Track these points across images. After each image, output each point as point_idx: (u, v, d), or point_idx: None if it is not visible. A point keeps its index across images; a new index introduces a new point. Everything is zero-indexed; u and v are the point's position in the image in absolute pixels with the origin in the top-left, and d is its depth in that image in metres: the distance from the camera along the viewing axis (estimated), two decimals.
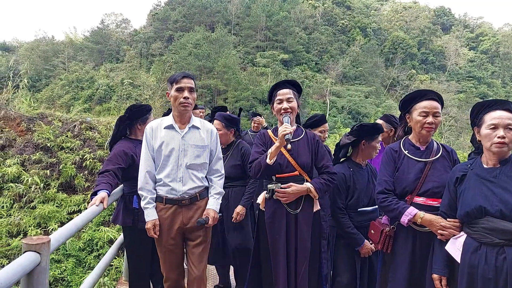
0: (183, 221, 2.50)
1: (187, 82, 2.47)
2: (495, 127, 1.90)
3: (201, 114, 5.42)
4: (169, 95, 2.52)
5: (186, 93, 2.46)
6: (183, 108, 2.49)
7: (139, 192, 2.52)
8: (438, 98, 2.32)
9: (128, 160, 2.84)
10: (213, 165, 2.68)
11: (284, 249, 2.48)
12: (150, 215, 2.47)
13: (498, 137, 1.87)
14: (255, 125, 5.44)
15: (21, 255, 1.43)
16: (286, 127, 2.36)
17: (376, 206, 2.78)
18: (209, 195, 2.63)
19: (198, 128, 2.60)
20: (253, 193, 3.31)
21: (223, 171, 2.75)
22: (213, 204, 2.58)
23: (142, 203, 2.49)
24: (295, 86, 2.70)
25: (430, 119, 2.25)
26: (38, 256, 1.43)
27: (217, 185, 2.67)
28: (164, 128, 2.54)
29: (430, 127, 2.25)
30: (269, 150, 2.45)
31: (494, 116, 1.92)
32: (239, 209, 3.21)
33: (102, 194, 2.45)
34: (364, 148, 2.83)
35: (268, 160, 2.42)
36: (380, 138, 2.87)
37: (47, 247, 1.48)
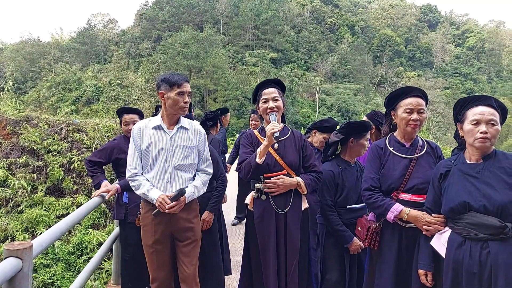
0: (171, 222, 2.48)
1: (187, 86, 2.50)
2: (477, 122, 1.93)
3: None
4: (164, 96, 2.48)
5: (187, 98, 2.49)
6: (183, 112, 2.52)
7: (133, 184, 2.47)
8: (422, 95, 2.34)
9: (111, 157, 3.30)
10: (200, 165, 2.67)
11: (274, 249, 2.47)
12: (155, 193, 2.41)
13: (481, 133, 1.90)
14: (253, 122, 5.22)
15: (3, 261, 1.41)
16: (274, 125, 2.36)
17: (365, 204, 2.80)
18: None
19: (186, 128, 2.58)
20: (220, 197, 3.23)
21: (210, 171, 2.74)
22: (188, 192, 2.48)
23: (143, 190, 2.43)
24: (279, 85, 2.70)
25: (415, 116, 2.27)
26: (19, 261, 1.40)
27: (199, 178, 2.62)
28: (152, 129, 2.51)
29: (415, 124, 2.27)
30: (258, 150, 2.45)
31: (476, 112, 1.95)
32: (206, 215, 3.13)
33: (115, 185, 2.95)
34: (352, 145, 2.85)
35: (257, 160, 2.42)
36: (368, 136, 2.89)
37: (29, 253, 1.45)
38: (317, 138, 3.42)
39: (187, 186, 2.50)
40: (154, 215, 2.41)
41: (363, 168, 2.92)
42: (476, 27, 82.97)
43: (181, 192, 2.40)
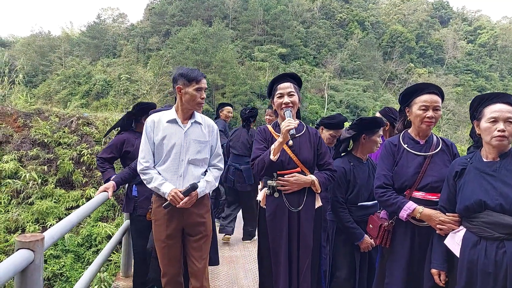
0: (183, 217, 2.47)
1: (205, 83, 2.51)
2: (495, 120, 1.88)
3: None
4: (182, 91, 2.47)
5: (204, 94, 2.50)
6: (199, 108, 2.54)
7: (144, 178, 2.46)
8: (438, 91, 2.29)
9: (122, 150, 3.32)
10: (212, 160, 2.66)
11: (286, 247, 2.43)
12: (167, 187, 2.40)
13: (498, 131, 1.85)
14: (268, 118, 5.12)
15: (14, 252, 1.41)
16: (290, 122, 2.32)
17: (376, 201, 2.76)
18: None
19: (200, 123, 2.58)
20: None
21: (222, 166, 2.73)
22: (200, 187, 2.46)
23: (155, 184, 2.41)
24: (296, 80, 2.65)
25: (430, 113, 2.22)
26: (31, 253, 1.41)
27: (211, 174, 2.61)
28: (166, 122, 2.50)
29: (430, 121, 2.23)
30: (272, 146, 2.41)
31: (494, 110, 1.90)
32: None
33: (110, 183, 2.93)
34: (364, 142, 2.81)
35: (272, 157, 2.37)
36: (381, 132, 2.85)
37: (40, 245, 1.45)
38: (324, 135, 3.39)
39: (199, 181, 2.49)
40: (164, 208, 2.40)
41: (375, 165, 2.88)
42: (488, 24, 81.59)
43: (194, 187, 2.39)
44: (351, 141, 2.90)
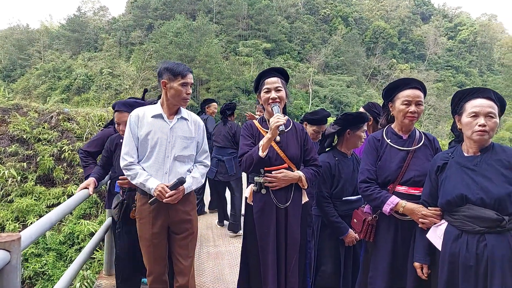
0: (169, 214, 2.43)
1: (191, 77, 2.43)
2: (476, 115, 1.91)
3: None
4: (167, 86, 2.40)
5: (189, 89, 2.43)
6: (184, 103, 2.47)
7: (128, 174, 2.39)
8: (421, 86, 2.31)
9: (104, 144, 3.17)
10: (198, 156, 2.62)
11: (274, 244, 2.42)
12: (152, 182, 2.34)
13: (479, 125, 1.88)
14: (259, 113, 5.13)
15: None
16: (279, 118, 2.28)
17: (361, 196, 2.78)
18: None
19: (186, 119, 2.52)
20: None
21: (208, 163, 2.69)
22: (187, 183, 2.43)
23: (140, 180, 2.34)
24: (283, 74, 2.61)
25: (412, 108, 2.24)
26: (7, 254, 1.35)
27: (198, 170, 2.56)
28: (151, 117, 2.43)
29: (412, 116, 2.25)
30: (261, 142, 2.37)
31: (475, 104, 1.93)
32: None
33: (90, 179, 2.90)
34: (349, 137, 2.82)
35: (260, 153, 2.35)
36: (365, 127, 2.87)
37: (17, 245, 1.40)
38: (307, 131, 3.40)
39: (185, 177, 2.45)
40: (151, 204, 2.35)
41: (359, 160, 2.90)
42: (468, 20, 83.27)
43: (181, 181, 2.35)
44: (336, 136, 2.91)
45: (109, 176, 3.30)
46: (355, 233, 2.62)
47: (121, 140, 2.76)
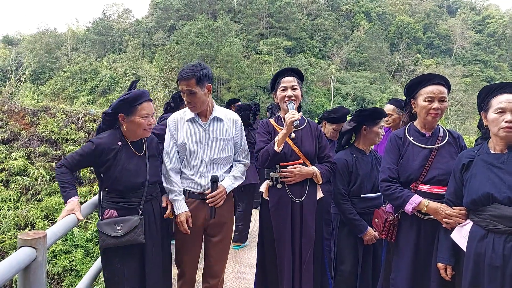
0: (206, 216, 2.42)
1: (184, 85, 2.33)
2: (502, 111, 1.84)
3: None
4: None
5: (185, 97, 2.38)
6: (190, 110, 2.44)
7: (164, 185, 2.45)
8: (444, 82, 2.24)
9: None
10: (237, 156, 2.60)
11: (290, 237, 2.47)
12: (181, 207, 2.36)
13: (506, 122, 1.81)
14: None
15: (17, 250, 1.42)
16: (294, 113, 2.34)
17: (380, 193, 2.73)
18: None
19: (221, 119, 2.49)
20: None
21: (248, 162, 2.67)
22: (226, 182, 2.45)
23: (171, 196, 2.40)
24: (298, 74, 2.67)
25: (435, 104, 2.18)
26: (34, 251, 1.41)
27: (237, 169, 2.56)
28: (186, 121, 2.45)
29: (435, 113, 2.18)
30: (276, 138, 2.43)
31: (501, 100, 1.86)
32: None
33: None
34: (365, 133, 2.78)
35: (276, 148, 2.40)
36: (382, 123, 2.81)
37: (43, 242, 1.45)
38: (326, 129, 3.40)
39: (223, 178, 2.47)
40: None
41: (378, 158, 2.87)
42: (497, 13, 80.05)
43: (215, 179, 2.38)
44: (353, 133, 2.89)
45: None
46: (375, 231, 2.58)
47: (119, 146, 2.31)
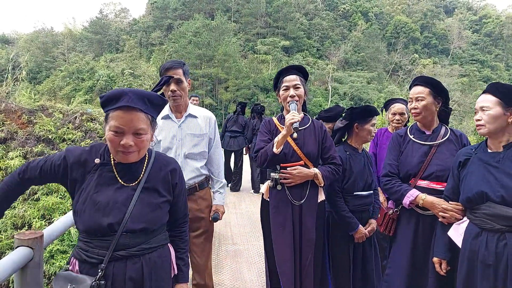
0: None
1: (173, 73, 2.38)
2: (476, 112, 1.96)
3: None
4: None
5: (171, 86, 2.40)
6: (173, 101, 2.47)
7: None
8: (424, 82, 2.34)
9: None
10: (212, 154, 2.65)
11: (291, 240, 2.41)
12: None
13: (476, 120, 1.93)
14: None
15: (14, 250, 1.41)
16: (294, 115, 2.26)
17: (371, 191, 2.79)
18: (213, 190, 2.67)
19: (195, 116, 2.56)
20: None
21: (222, 160, 2.74)
22: (220, 199, 2.66)
23: None
24: (302, 72, 2.60)
25: (413, 104, 2.34)
26: (30, 251, 1.40)
27: (220, 177, 2.67)
28: (161, 119, 2.49)
29: (413, 112, 2.34)
30: (276, 139, 2.37)
31: (477, 101, 1.97)
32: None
33: None
34: (357, 131, 2.79)
35: (275, 149, 2.34)
36: (374, 121, 2.82)
37: (40, 242, 1.45)
38: None
39: (200, 175, 2.56)
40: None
41: (369, 157, 2.94)
42: (494, 13, 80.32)
43: (215, 218, 2.59)
44: (346, 131, 2.90)
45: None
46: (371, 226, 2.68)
47: (93, 164, 1.53)
